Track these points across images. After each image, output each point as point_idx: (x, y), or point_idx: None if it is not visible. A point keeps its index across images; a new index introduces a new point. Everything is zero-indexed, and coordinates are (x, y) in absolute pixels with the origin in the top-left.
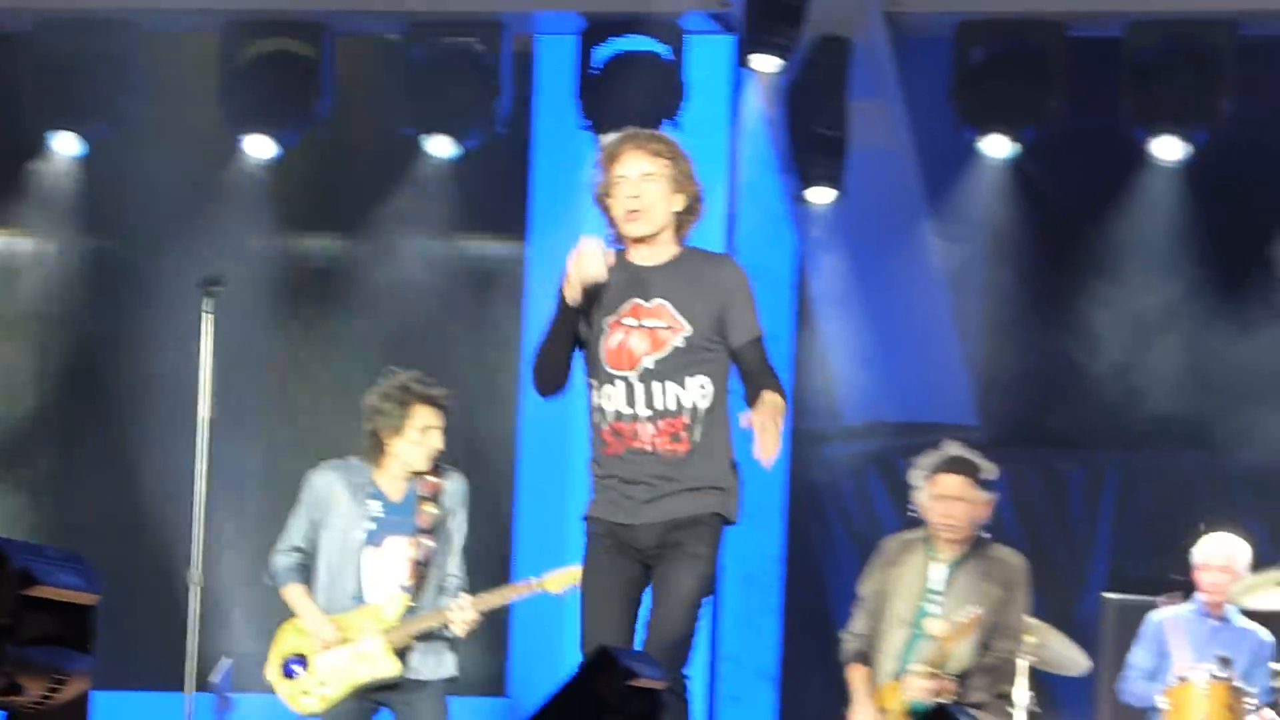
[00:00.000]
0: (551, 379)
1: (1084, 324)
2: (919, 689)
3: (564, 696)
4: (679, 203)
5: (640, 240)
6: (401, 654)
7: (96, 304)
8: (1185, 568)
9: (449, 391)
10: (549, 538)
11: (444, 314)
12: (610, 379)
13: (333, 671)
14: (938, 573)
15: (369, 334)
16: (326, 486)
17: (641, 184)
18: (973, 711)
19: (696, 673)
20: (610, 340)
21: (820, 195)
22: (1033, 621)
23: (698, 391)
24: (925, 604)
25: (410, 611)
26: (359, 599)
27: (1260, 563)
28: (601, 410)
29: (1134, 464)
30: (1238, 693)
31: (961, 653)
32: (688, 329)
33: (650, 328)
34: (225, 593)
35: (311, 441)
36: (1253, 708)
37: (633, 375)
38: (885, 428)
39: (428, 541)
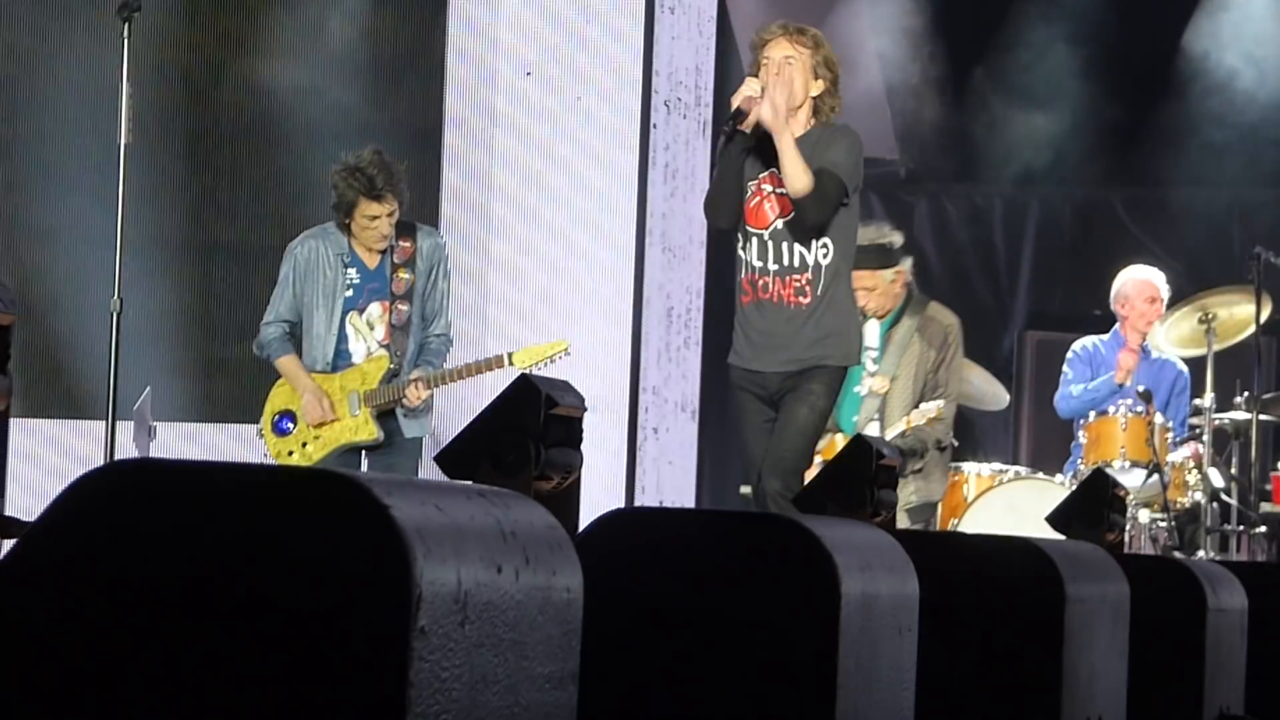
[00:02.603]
0: (723, 211)
1: (1006, 60)
2: None
3: (485, 423)
4: (816, 87)
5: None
6: (383, 416)
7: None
8: (1104, 303)
9: (400, 173)
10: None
11: (367, 51)
12: (749, 235)
13: (318, 431)
14: (872, 330)
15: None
16: (306, 257)
17: (782, 66)
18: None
19: (619, 407)
20: (751, 201)
21: None
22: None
23: (819, 251)
24: (862, 358)
25: (390, 372)
26: (344, 360)
27: (1177, 295)
28: (742, 262)
29: (1055, 198)
30: (1156, 428)
31: (898, 409)
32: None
33: (780, 194)
34: (148, 322)
35: (228, 167)
36: (1172, 441)
37: (765, 233)
38: None
39: (403, 306)
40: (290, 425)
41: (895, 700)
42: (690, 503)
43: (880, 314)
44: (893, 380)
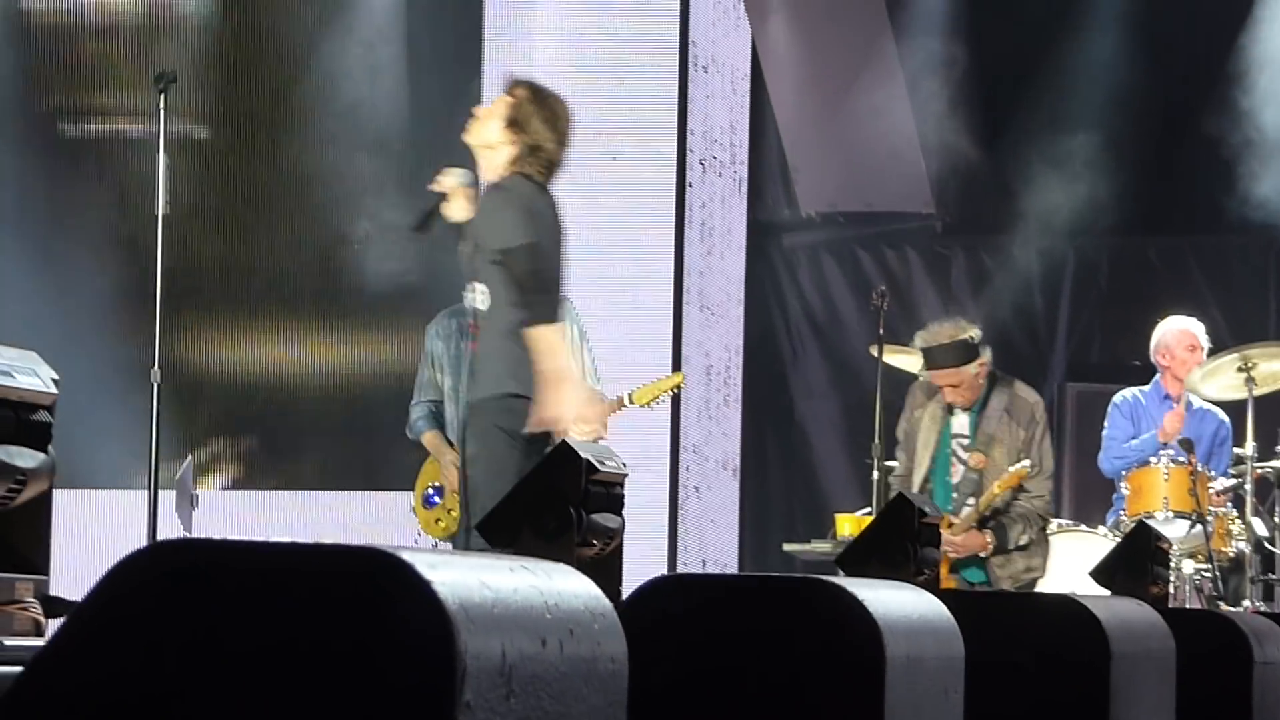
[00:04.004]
0: None
1: (1041, 113)
2: (959, 545)
3: (526, 490)
4: (506, 138)
5: (478, 149)
6: None
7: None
8: (1143, 353)
9: None
10: None
11: (403, 119)
12: None
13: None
14: (961, 420)
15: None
16: (437, 334)
17: (483, 108)
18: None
19: (660, 466)
20: None
21: None
22: None
23: (481, 296)
24: (952, 446)
25: None
26: None
27: (1216, 345)
28: None
29: (1092, 248)
30: (1199, 477)
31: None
32: (469, 242)
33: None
34: (188, 392)
35: (269, 235)
36: (1215, 491)
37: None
38: (842, 216)
39: None
40: (438, 498)
41: None
42: (733, 561)
43: (967, 406)
44: (988, 455)
